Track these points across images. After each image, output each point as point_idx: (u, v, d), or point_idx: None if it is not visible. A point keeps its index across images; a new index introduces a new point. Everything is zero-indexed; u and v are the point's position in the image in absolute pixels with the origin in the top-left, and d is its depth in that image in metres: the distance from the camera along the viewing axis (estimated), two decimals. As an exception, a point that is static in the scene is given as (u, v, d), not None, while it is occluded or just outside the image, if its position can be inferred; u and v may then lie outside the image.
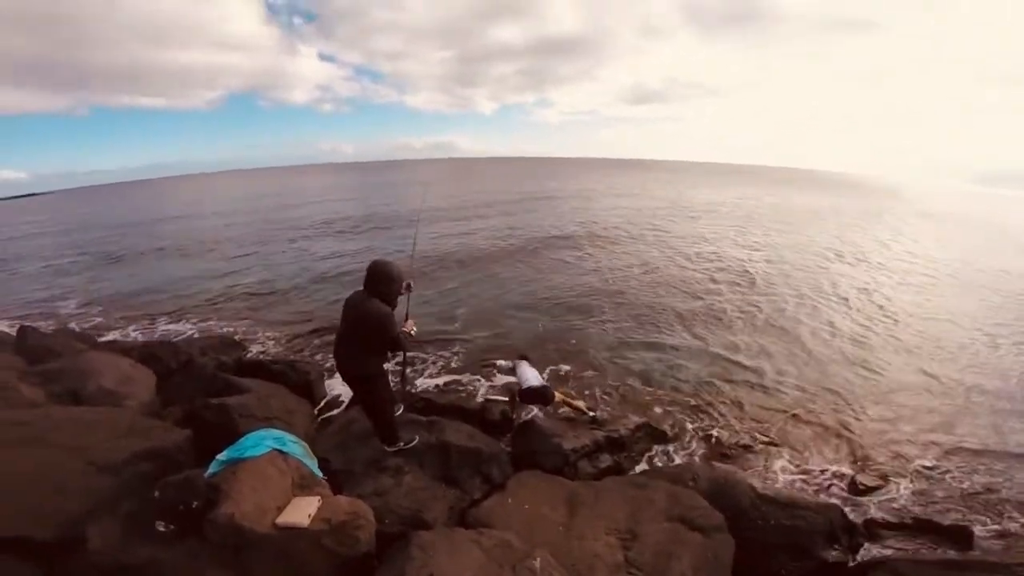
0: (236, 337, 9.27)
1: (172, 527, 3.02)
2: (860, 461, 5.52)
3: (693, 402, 6.78)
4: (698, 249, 17.41)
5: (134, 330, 10.58)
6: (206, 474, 3.18)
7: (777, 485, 4.89)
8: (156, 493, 3.09)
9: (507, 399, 5.86)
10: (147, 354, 6.84)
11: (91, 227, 32.02)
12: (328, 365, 7.43)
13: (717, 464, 4.95)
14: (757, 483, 4.34)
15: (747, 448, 5.72)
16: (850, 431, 6.13)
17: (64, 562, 3.06)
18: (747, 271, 14.42)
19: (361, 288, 3.78)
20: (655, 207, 31.16)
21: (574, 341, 9.04)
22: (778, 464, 5.46)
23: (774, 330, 9.68)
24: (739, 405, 6.74)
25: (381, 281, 3.71)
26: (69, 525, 3.21)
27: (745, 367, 7.99)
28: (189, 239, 22.92)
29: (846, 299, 11.86)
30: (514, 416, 5.73)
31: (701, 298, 11.79)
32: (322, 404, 6.45)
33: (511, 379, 5.82)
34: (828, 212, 31.90)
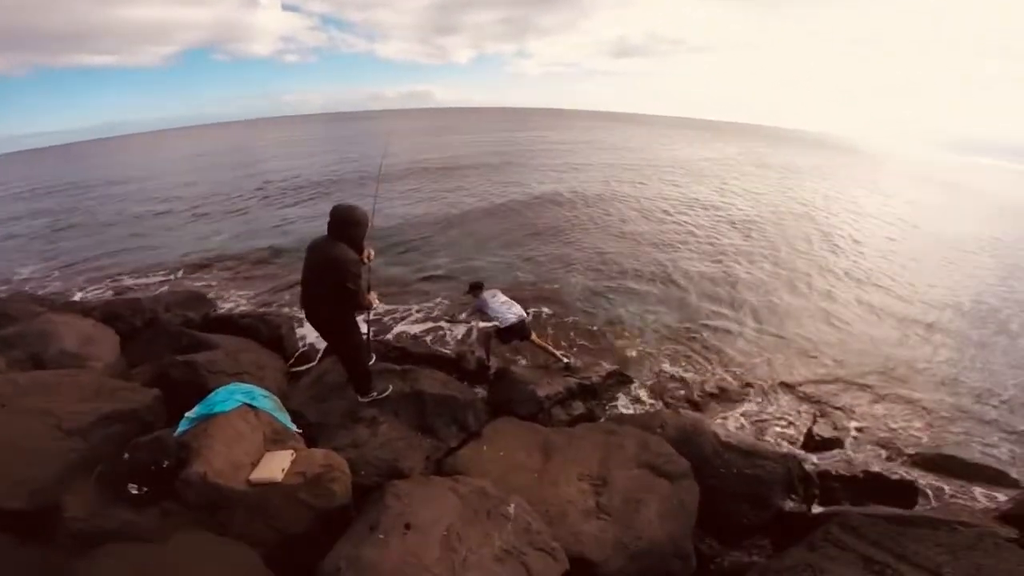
0: (205, 294, 8.99)
1: (145, 489, 2.99)
2: (820, 414, 5.74)
3: (664, 350, 6.99)
4: (676, 203, 17.42)
5: (94, 291, 10.16)
6: (176, 433, 3.14)
7: (740, 433, 5.07)
8: (126, 455, 3.03)
9: (483, 348, 5.84)
10: (109, 313, 6.60)
11: (40, 190, 29.88)
12: (299, 317, 7.31)
13: (685, 412, 5.12)
14: (720, 431, 4.48)
15: (714, 396, 5.94)
16: (813, 383, 6.38)
17: (40, 530, 3.03)
18: (727, 225, 14.60)
19: (325, 235, 3.62)
20: (639, 161, 30.83)
21: (555, 286, 9.19)
22: (741, 412, 5.68)
23: (751, 282, 9.95)
24: (710, 354, 6.97)
25: (347, 224, 3.56)
26: (42, 493, 3.16)
27: (721, 316, 8.26)
28: (146, 200, 21.59)
29: (814, 251, 12.18)
30: (488, 363, 5.76)
31: (677, 250, 11.96)
32: (294, 358, 6.35)
33: (485, 324, 5.82)
34: (798, 168, 32.23)
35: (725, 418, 5.54)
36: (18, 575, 2.69)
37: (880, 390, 6.32)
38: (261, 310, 7.83)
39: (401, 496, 2.92)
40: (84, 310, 7.03)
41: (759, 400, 5.95)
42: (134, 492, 2.99)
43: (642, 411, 5.49)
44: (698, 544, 3.55)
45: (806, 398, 6.06)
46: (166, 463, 2.91)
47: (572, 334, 7.35)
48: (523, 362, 6.22)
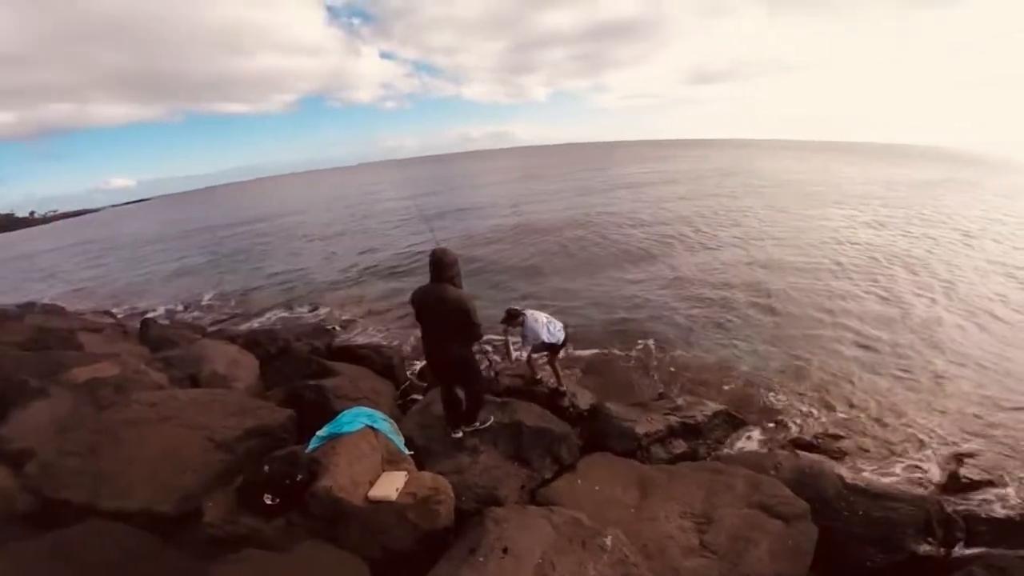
0: (326, 325, 10.10)
1: (277, 500, 3.26)
2: (965, 455, 5.10)
3: (779, 388, 6.55)
4: (813, 229, 16.33)
5: (238, 320, 11.81)
6: (307, 449, 3.52)
7: (868, 476, 4.66)
8: (265, 467, 3.41)
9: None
10: (250, 341, 7.60)
11: (191, 230, 35.83)
12: (407, 351, 7.90)
13: (802, 453, 4.79)
14: (846, 473, 4.19)
15: (836, 437, 5.43)
16: (957, 423, 5.66)
17: (180, 533, 3.34)
18: (857, 250, 13.43)
19: (430, 281, 3.87)
20: (744, 185, 29.67)
21: (657, 315, 9.04)
22: (871, 454, 5.18)
23: (878, 312, 9.05)
24: (829, 392, 6.44)
25: (449, 266, 3.82)
26: (187, 499, 3.55)
27: (844, 352, 7.56)
28: (278, 238, 25.08)
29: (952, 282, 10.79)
30: (563, 388, 5.74)
31: (807, 278, 11.20)
32: (404, 386, 6.85)
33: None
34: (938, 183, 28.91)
35: (851, 459, 5.06)
36: (159, 574, 2.92)
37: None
38: (375, 342, 8.58)
39: (500, 522, 3.04)
40: (231, 337, 8.16)
41: (893, 440, 5.39)
42: (268, 502, 3.27)
43: (752, 452, 5.19)
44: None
45: (953, 437, 5.41)
46: (299, 476, 3.24)
47: (673, 369, 7.16)
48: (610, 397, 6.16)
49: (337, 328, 10.06)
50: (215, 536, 3.18)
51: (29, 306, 15.45)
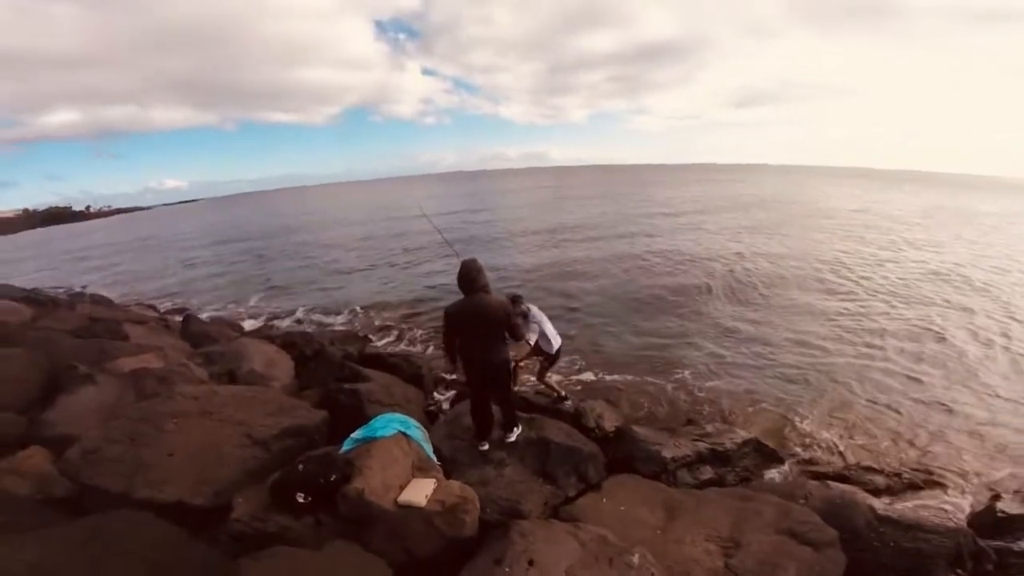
0: (359, 331, 10.37)
1: (309, 498, 3.29)
2: (1001, 489, 4.98)
3: (810, 419, 6.43)
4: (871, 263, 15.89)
5: (274, 321, 12.22)
6: (341, 451, 3.62)
7: (900, 507, 4.50)
8: (300, 466, 3.47)
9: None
10: (287, 342, 7.84)
11: (235, 233, 37.50)
12: (433, 361, 8.01)
13: (833, 484, 4.67)
14: (877, 504, 4.09)
15: (870, 469, 5.29)
16: (995, 458, 5.52)
17: (208, 527, 3.40)
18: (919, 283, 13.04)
19: (466, 294, 3.92)
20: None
21: (688, 352, 8.85)
22: (905, 486, 5.06)
23: (926, 348, 8.75)
24: (865, 424, 6.30)
25: (479, 276, 3.91)
26: (220, 493, 3.62)
27: (884, 384, 7.38)
28: (317, 246, 25.92)
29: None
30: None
31: (835, 304, 10.98)
32: (432, 396, 6.95)
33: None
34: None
35: (883, 491, 4.94)
36: (185, 569, 2.91)
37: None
38: (404, 351, 8.75)
39: (526, 534, 3.07)
40: (268, 337, 8.41)
41: (929, 474, 5.26)
42: (300, 500, 3.30)
43: (782, 482, 5.09)
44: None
45: (992, 471, 5.30)
46: (333, 477, 3.30)
47: (703, 396, 7.08)
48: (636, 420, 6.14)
49: (369, 336, 10.28)
50: (242, 532, 3.24)
51: (79, 295, 16.29)
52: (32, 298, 13.79)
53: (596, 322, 10.84)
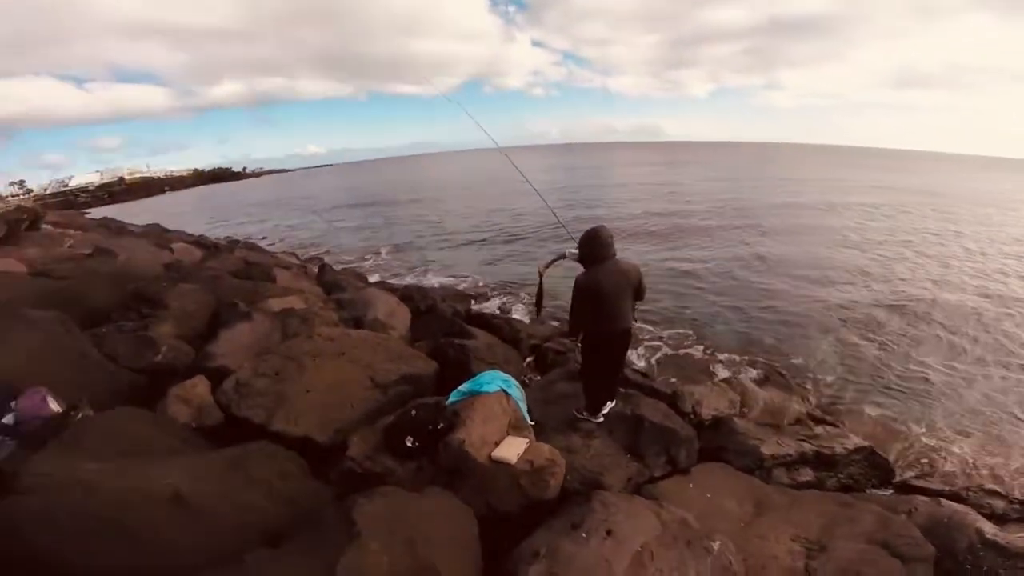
0: (466, 291, 11.10)
1: (417, 444, 3.51)
2: None
3: (937, 434, 5.84)
4: None
5: (394, 275, 13.44)
6: (447, 402, 3.92)
7: (1015, 535, 3.96)
8: (412, 411, 3.79)
9: None
10: (405, 295, 8.54)
11: (365, 195, 41.05)
12: (531, 328, 8.22)
13: (945, 502, 4.23)
14: (987, 527, 3.64)
15: (992, 493, 4.68)
16: None
17: (326, 462, 3.64)
18: None
19: (602, 260, 3.85)
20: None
21: (810, 345, 8.36)
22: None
23: None
24: (998, 444, 5.63)
25: (612, 240, 3.90)
26: (340, 431, 3.89)
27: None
28: (435, 211, 28.10)
29: None
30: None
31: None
32: (529, 360, 7.17)
33: None
34: None
35: (997, 517, 4.37)
36: (304, 501, 3.09)
37: None
38: (505, 313, 9.18)
39: (608, 505, 3.16)
40: (390, 289, 9.21)
41: None
42: (408, 444, 3.53)
43: (889, 495, 4.69)
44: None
45: None
46: (440, 425, 3.57)
47: (821, 396, 6.71)
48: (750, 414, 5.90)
49: (473, 296, 10.91)
50: (351, 471, 3.47)
51: (235, 242, 18.84)
52: (200, 242, 16.31)
53: (715, 300, 10.56)
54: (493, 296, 11.29)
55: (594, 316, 3.97)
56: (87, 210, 48.07)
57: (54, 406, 3.56)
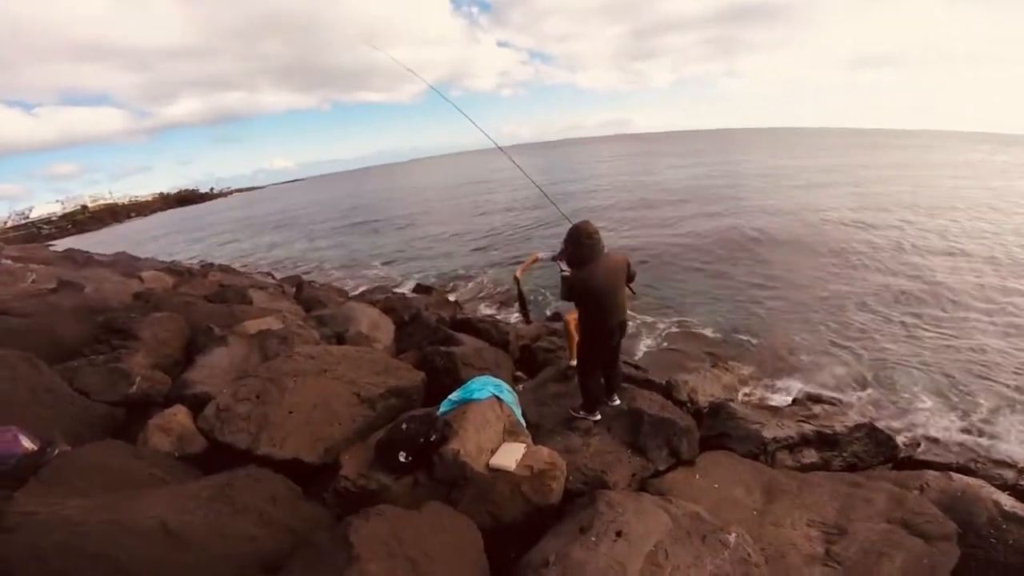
0: (449, 298, 10.91)
1: (410, 458, 3.39)
2: None
3: (938, 406, 5.89)
4: None
5: (375, 287, 13.18)
6: (438, 412, 3.78)
7: None
8: (404, 425, 3.62)
9: None
10: (387, 306, 8.37)
11: (338, 209, 40.51)
12: (519, 328, 8.13)
13: (956, 475, 4.21)
14: (1004, 499, 3.61)
15: (1002, 464, 4.70)
16: None
17: (317, 483, 3.55)
18: None
19: (593, 257, 3.74)
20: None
21: (806, 328, 8.32)
22: None
23: None
24: (1003, 416, 5.61)
25: (599, 236, 3.78)
26: (329, 450, 3.77)
27: None
28: (411, 219, 27.81)
29: None
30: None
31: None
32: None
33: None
34: None
35: (1010, 488, 4.38)
36: (298, 525, 2.99)
37: None
38: (491, 317, 9.02)
39: (614, 505, 3.05)
40: (371, 301, 9.00)
41: None
42: (402, 459, 3.40)
43: (895, 469, 4.65)
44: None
45: None
46: (433, 437, 3.42)
47: (820, 374, 6.72)
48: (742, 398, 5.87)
49: (459, 302, 10.75)
50: (347, 490, 3.40)
51: (209, 265, 18.40)
52: (172, 269, 15.82)
53: (695, 284, 10.62)
54: (478, 300, 11.22)
55: (591, 313, 3.94)
56: (51, 242, 46.52)
57: (27, 443, 3.40)
